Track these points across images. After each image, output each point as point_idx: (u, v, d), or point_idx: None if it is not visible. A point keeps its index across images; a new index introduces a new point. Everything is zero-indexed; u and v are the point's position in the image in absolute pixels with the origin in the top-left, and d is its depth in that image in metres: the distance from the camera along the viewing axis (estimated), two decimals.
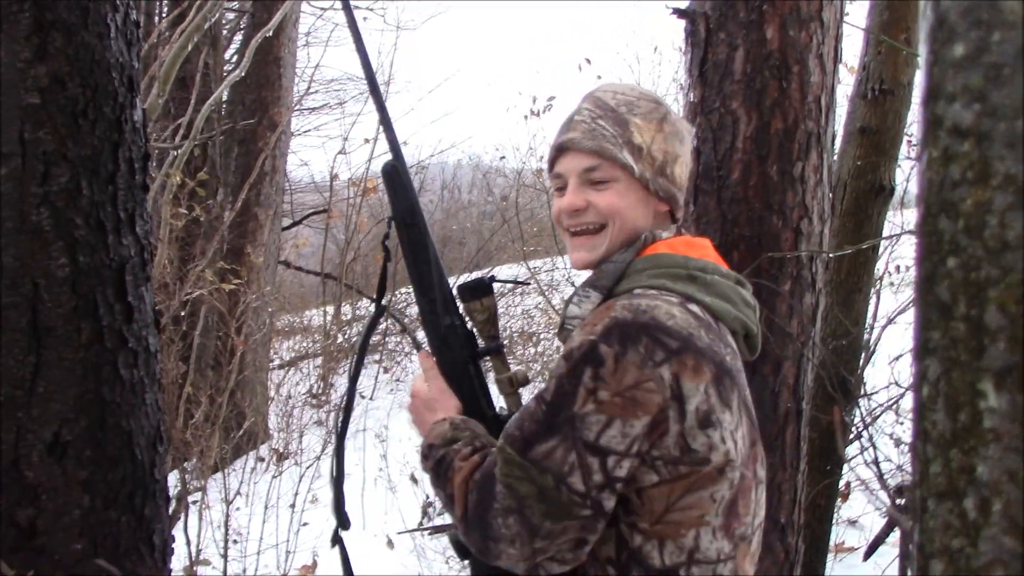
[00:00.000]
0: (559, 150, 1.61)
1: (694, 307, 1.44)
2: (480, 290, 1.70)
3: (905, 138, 3.81)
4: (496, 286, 1.76)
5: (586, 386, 1.35)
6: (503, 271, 12.56)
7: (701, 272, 1.48)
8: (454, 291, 1.73)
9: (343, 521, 1.81)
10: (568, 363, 1.39)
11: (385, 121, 1.75)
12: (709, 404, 1.38)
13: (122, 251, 2.02)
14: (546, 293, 8.56)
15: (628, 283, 1.50)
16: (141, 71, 2.19)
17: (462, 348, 1.70)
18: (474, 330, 1.73)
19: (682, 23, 2.50)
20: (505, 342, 1.45)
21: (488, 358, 1.72)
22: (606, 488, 1.36)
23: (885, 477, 2.94)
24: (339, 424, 1.83)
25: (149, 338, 2.12)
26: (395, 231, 1.75)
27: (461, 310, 1.73)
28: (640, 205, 1.56)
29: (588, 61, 8.38)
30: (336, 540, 1.80)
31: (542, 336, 10.15)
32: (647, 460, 1.37)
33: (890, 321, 4.15)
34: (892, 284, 4.85)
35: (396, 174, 1.72)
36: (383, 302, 1.87)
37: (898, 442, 3.72)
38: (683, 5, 2.54)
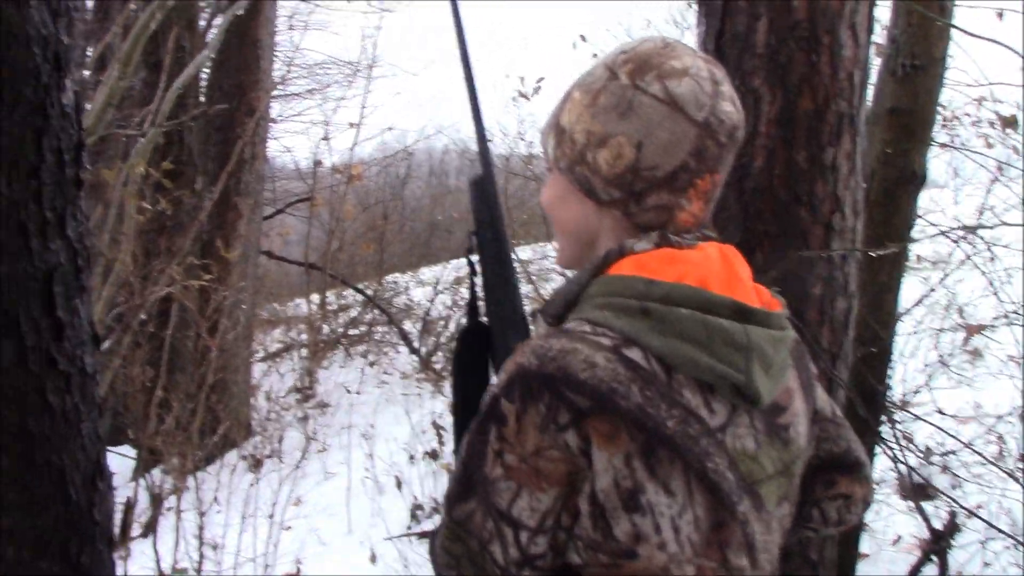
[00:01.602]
0: None
1: (633, 352, 1.12)
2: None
3: (939, 119, 3.54)
4: None
5: (492, 447, 1.13)
6: None
7: (661, 303, 1.14)
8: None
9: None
10: (478, 417, 1.17)
11: (480, 134, 1.54)
12: (634, 481, 1.09)
13: (49, 258, 1.73)
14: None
15: (576, 312, 1.22)
16: (75, 46, 1.89)
17: None
18: None
19: None
20: None
21: None
22: (525, 566, 1.14)
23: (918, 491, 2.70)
24: None
25: (85, 358, 1.83)
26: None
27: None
28: (566, 201, 1.29)
29: (583, 38, 7.94)
30: None
31: None
32: (570, 537, 1.14)
33: (906, 311, 3.91)
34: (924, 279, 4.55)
35: (484, 186, 1.52)
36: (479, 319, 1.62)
37: (927, 453, 3.47)
38: None
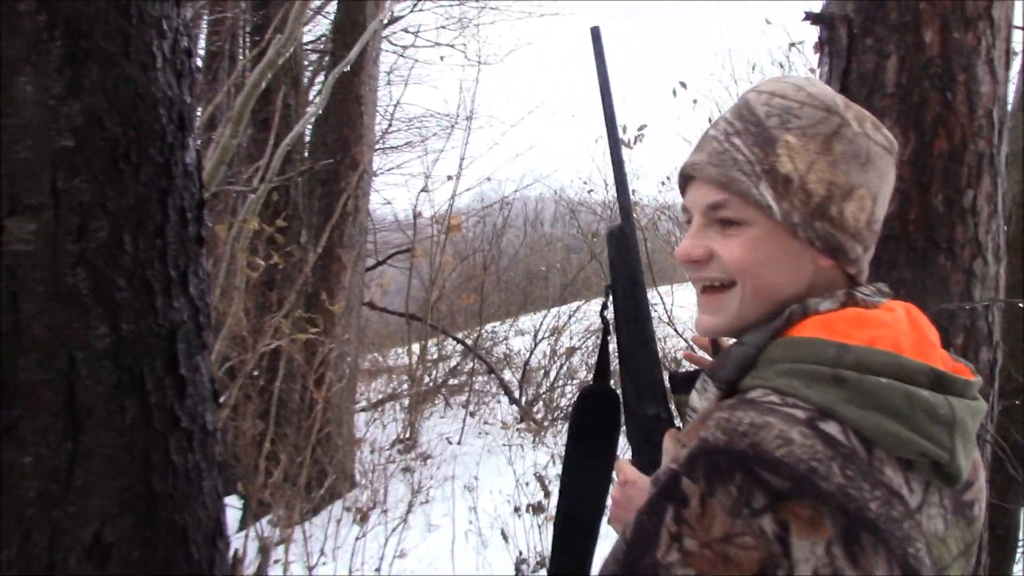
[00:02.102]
0: (684, 176, 1.24)
1: (830, 427, 1.01)
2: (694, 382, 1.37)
3: None
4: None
5: (668, 529, 1.01)
6: (592, 306, 12.21)
7: (855, 371, 1.03)
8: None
9: None
10: (650, 494, 1.05)
11: (620, 183, 1.48)
12: (833, 569, 0.97)
13: (173, 315, 1.73)
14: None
15: (754, 378, 1.10)
16: (195, 107, 1.91)
17: None
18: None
19: (791, 34, 2.15)
20: None
21: None
22: None
23: None
24: None
25: (206, 415, 1.83)
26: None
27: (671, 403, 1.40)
28: (784, 259, 1.14)
29: (683, 85, 7.87)
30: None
31: None
32: None
33: None
34: None
35: (623, 238, 1.44)
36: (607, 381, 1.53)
37: None
38: (815, 8, 2.18)
